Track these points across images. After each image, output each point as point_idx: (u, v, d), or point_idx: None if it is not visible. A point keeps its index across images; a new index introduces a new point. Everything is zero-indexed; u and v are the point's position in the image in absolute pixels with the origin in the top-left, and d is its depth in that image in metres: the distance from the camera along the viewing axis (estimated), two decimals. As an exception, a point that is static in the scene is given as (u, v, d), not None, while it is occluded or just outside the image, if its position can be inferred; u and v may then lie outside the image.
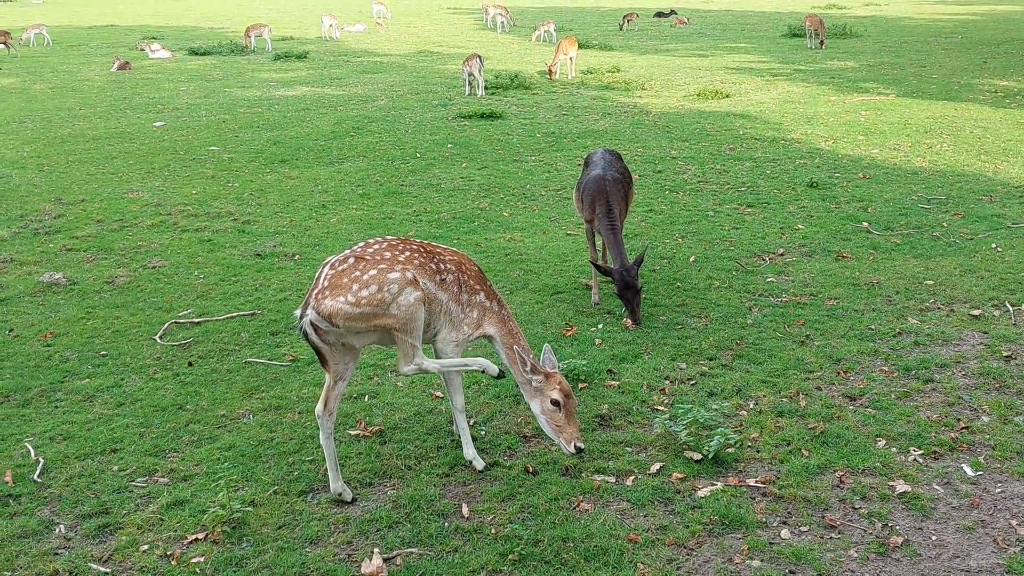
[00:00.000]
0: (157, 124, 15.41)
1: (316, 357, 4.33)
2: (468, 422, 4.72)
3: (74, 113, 16.75)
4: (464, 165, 12.01)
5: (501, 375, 4.43)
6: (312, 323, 4.06)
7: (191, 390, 5.60)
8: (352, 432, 5.00)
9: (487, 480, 4.49)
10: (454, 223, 9.27)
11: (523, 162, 12.16)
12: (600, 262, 7.52)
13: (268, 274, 7.83)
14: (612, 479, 4.45)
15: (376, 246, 4.30)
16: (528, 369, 4.31)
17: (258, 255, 8.34)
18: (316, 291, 4.12)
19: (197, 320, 6.77)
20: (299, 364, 5.96)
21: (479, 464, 4.57)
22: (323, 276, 4.16)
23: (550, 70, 20.85)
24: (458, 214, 9.61)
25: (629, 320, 6.46)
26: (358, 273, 4.11)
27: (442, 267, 4.39)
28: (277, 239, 8.84)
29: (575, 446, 4.24)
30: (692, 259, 7.95)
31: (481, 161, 12.23)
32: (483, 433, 4.95)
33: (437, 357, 4.50)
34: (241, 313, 6.89)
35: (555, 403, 4.27)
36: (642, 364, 5.80)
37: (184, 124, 15.41)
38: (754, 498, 4.26)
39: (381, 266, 4.14)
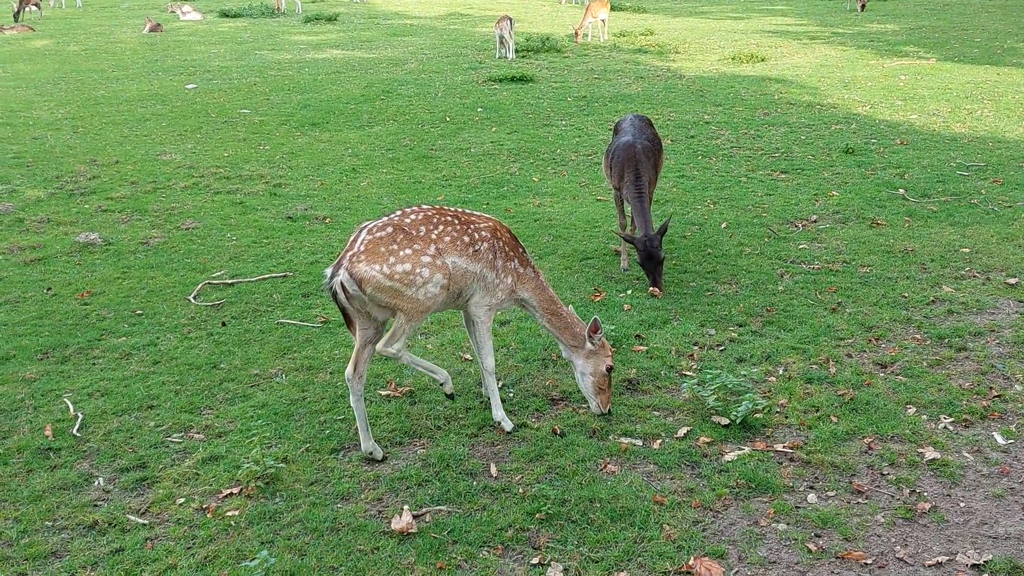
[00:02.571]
0: (189, 87, 15.50)
1: (344, 320, 4.39)
2: (497, 384, 4.78)
3: (107, 75, 16.89)
4: (494, 129, 11.96)
5: (452, 397, 4.60)
6: (342, 284, 4.10)
7: (224, 349, 5.70)
8: (382, 392, 5.08)
9: (515, 441, 4.54)
10: (483, 188, 9.26)
11: (553, 126, 12.09)
12: (628, 230, 7.50)
13: (299, 237, 7.90)
14: (639, 442, 4.48)
15: (413, 216, 4.33)
16: (589, 333, 4.56)
17: (289, 218, 8.41)
18: (351, 253, 4.16)
19: (230, 281, 6.87)
20: (330, 326, 6.04)
21: (507, 426, 4.63)
22: (360, 240, 4.20)
23: (576, 33, 20.59)
24: (487, 179, 9.60)
25: (655, 288, 6.44)
26: (395, 247, 4.16)
27: (476, 237, 4.43)
28: (308, 202, 8.90)
29: (609, 409, 4.66)
30: (724, 225, 7.89)
31: (511, 125, 12.17)
32: (512, 395, 5.00)
33: (471, 321, 4.58)
34: (273, 275, 6.98)
35: (610, 369, 4.61)
36: (671, 330, 5.80)
37: (216, 87, 15.48)
38: (781, 463, 4.27)
39: (416, 245, 4.19)
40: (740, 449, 4.38)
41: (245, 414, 4.87)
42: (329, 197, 9.08)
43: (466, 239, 4.39)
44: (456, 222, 4.41)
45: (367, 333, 4.34)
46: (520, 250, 4.65)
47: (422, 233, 4.26)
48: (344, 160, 10.55)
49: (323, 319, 6.14)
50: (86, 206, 8.86)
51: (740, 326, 5.83)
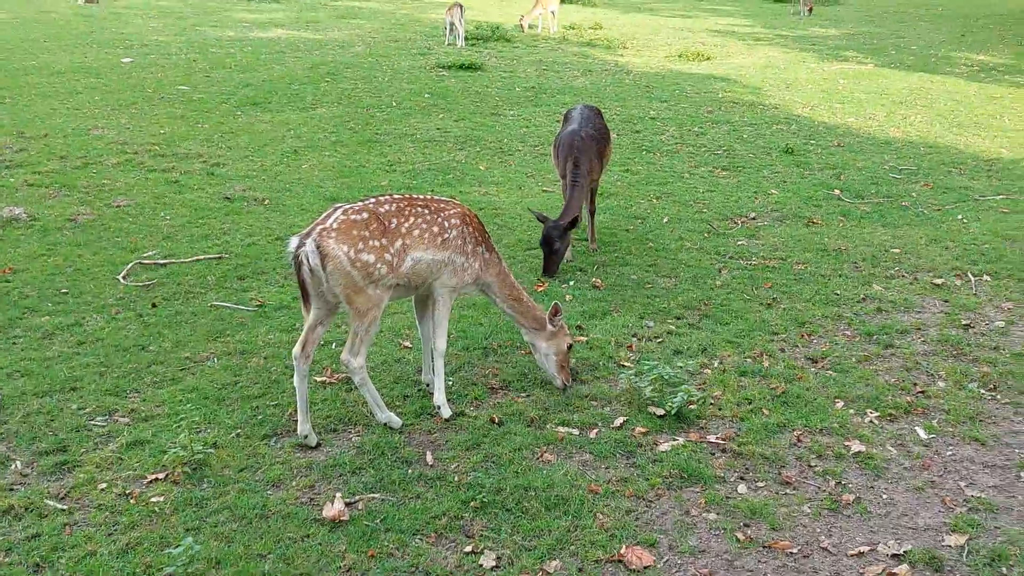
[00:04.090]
0: (125, 60, 15.01)
1: (300, 295, 4.32)
2: (444, 369, 4.78)
3: (38, 45, 16.25)
4: (441, 117, 11.87)
5: (392, 427, 4.49)
6: (307, 255, 4.06)
7: (154, 331, 5.54)
8: (319, 379, 4.99)
9: (452, 429, 4.51)
10: (429, 175, 9.18)
11: (501, 116, 12.05)
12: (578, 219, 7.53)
13: (236, 218, 7.72)
14: (576, 431, 4.50)
15: (387, 206, 4.36)
16: (550, 316, 4.79)
17: (227, 198, 8.21)
18: (322, 227, 4.14)
19: (162, 262, 6.67)
20: (266, 309, 5.91)
21: (446, 412, 4.61)
22: (333, 217, 4.19)
23: (523, 21, 20.57)
24: (433, 166, 9.52)
25: (544, 275, 6.49)
26: (367, 234, 4.18)
27: (446, 225, 4.51)
28: (246, 183, 8.71)
29: (571, 382, 4.92)
30: (665, 220, 7.97)
31: (458, 113, 12.09)
32: (450, 384, 4.96)
33: (434, 302, 4.63)
34: (208, 256, 6.80)
35: (570, 347, 4.91)
36: (611, 321, 5.84)
37: (153, 62, 15.02)
38: (714, 454, 4.33)
39: (384, 240, 4.23)
40: (674, 440, 4.43)
41: (174, 398, 4.74)
42: (268, 179, 8.89)
43: (435, 229, 4.46)
44: (426, 212, 4.47)
45: (319, 313, 4.30)
46: (487, 237, 4.76)
47: (393, 226, 4.30)
48: (286, 142, 10.34)
49: (259, 302, 6.01)
50: (11, 180, 8.50)
51: (678, 319, 5.90)
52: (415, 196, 4.55)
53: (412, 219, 4.40)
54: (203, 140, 10.26)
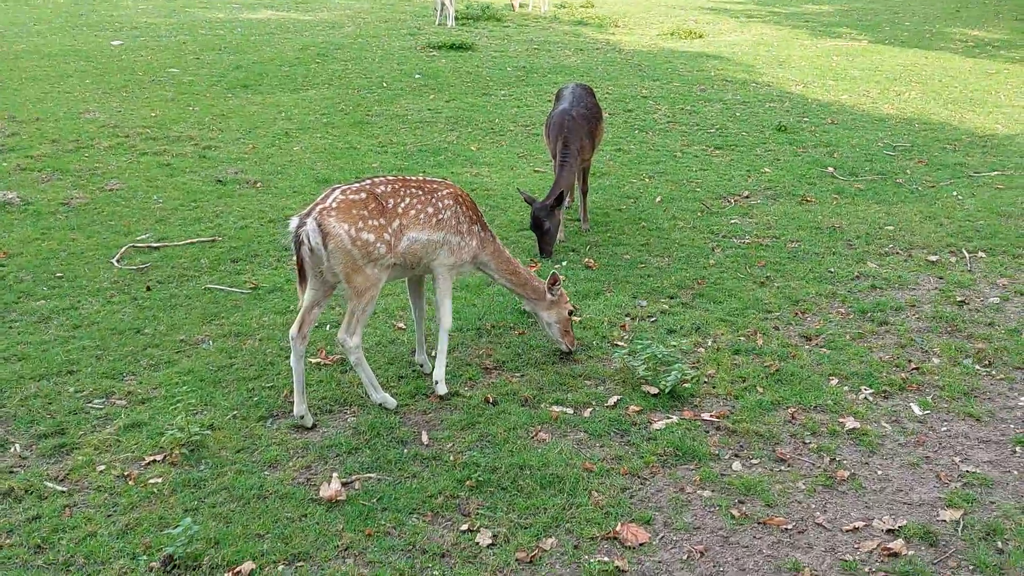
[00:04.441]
0: (115, 43, 14.87)
1: (296, 275, 4.32)
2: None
3: (28, 29, 16.08)
4: (432, 97, 11.81)
5: (387, 407, 4.49)
6: (308, 234, 4.09)
7: (149, 314, 5.52)
8: (313, 360, 4.99)
9: (447, 409, 4.53)
10: (420, 156, 9.15)
11: (492, 96, 11.99)
12: (569, 198, 7.52)
13: (229, 201, 7.68)
14: (570, 410, 4.51)
15: (383, 187, 4.40)
16: (549, 286, 4.92)
17: (219, 181, 8.17)
18: (322, 207, 4.18)
19: (156, 245, 6.65)
20: (260, 291, 5.90)
21: (442, 389, 4.63)
22: (332, 198, 4.23)
23: (513, 2, 20.44)
24: (424, 147, 9.48)
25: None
26: (366, 213, 4.22)
27: (440, 205, 4.54)
28: (238, 166, 8.66)
29: (576, 346, 5.08)
30: (658, 199, 7.96)
31: (449, 93, 12.03)
32: (446, 364, 4.97)
33: (434, 281, 4.69)
34: (201, 239, 6.78)
35: (571, 312, 5.08)
36: (604, 301, 5.84)
37: (143, 44, 14.89)
38: (708, 432, 4.35)
39: (383, 220, 4.27)
40: (668, 418, 4.45)
41: (170, 380, 4.74)
42: (260, 161, 8.84)
43: (430, 210, 4.50)
44: (420, 192, 4.51)
45: (316, 294, 4.32)
46: (481, 216, 4.82)
47: (390, 206, 4.35)
48: (277, 124, 10.28)
49: (252, 284, 6.00)
50: (3, 164, 8.44)
51: (671, 298, 5.90)
52: (408, 177, 4.59)
53: (408, 199, 4.44)
54: (194, 123, 10.19)
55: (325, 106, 11.15)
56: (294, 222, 4.18)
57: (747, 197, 8.04)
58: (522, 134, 10.16)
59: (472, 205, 4.76)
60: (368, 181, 4.42)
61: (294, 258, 4.26)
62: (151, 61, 13.50)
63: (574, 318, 5.26)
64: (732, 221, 7.40)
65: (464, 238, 4.66)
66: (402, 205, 4.40)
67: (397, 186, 4.45)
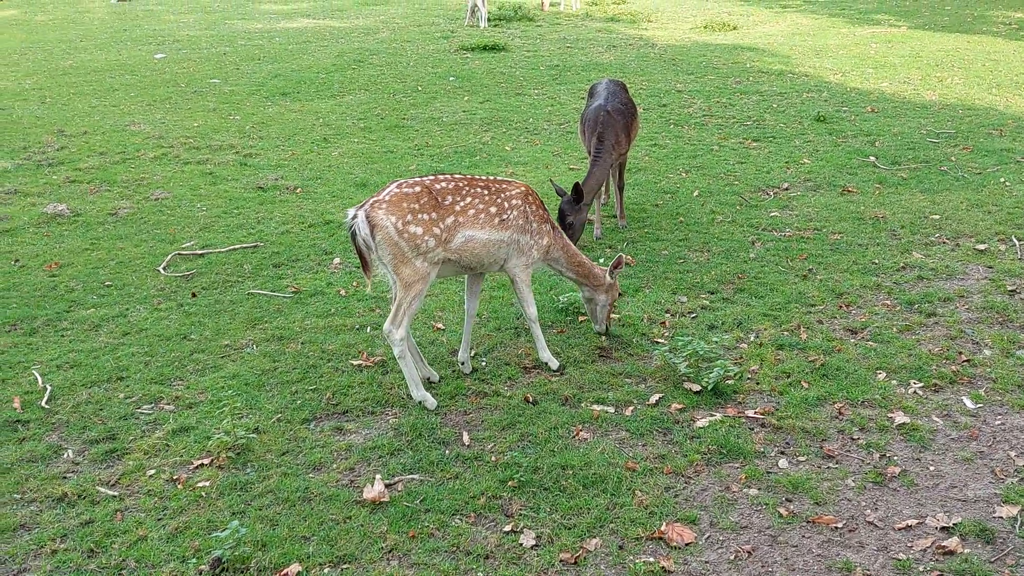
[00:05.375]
0: (158, 56, 15.13)
1: (361, 262, 4.41)
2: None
3: (75, 45, 16.44)
4: (466, 99, 11.79)
5: (427, 407, 4.50)
6: (359, 224, 4.22)
7: (195, 320, 5.58)
8: (354, 363, 4.99)
9: (487, 409, 4.49)
10: (456, 157, 9.13)
11: (526, 95, 11.94)
12: (604, 196, 7.45)
13: (270, 207, 7.74)
14: (611, 409, 4.45)
15: (444, 183, 4.45)
16: (612, 268, 4.99)
17: (260, 188, 8.24)
18: (375, 199, 4.29)
19: (200, 252, 6.72)
20: (301, 296, 5.93)
21: (554, 364, 4.83)
22: (388, 191, 4.33)
23: (543, 2, 20.37)
24: (460, 148, 9.46)
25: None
26: (417, 206, 4.28)
27: (506, 205, 4.57)
28: (279, 172, 8.73)
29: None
30: (696, 193, 7.84)
31: (483, 94, 12.01)
32: (484, 364, 4.94)
33: (512, 280, 4.75)
34: (244, 245, 6.83)
35: (620, 294, 5.20)
36: (643, 297, 5.76)
37: (185, 56, 15.12)
38: (752, 429, 4.25)
39: (435, 214, 4.32)
40: (712, 415, 4.36)
41: (216, 385, 4.77)
42: (300, 167, 8.90)
43: (493, 210, 4.52)
44: (485, 192, 4.55)
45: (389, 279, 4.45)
46: (548, 214, 4.85)
47: (447, 203, 4.39)
48: (315, 130, 10.35)
49: (294, 289, 6.02)
50: (54, 177, 8.62)
51: (712, 293, 5.80)
52: (476, 177, 4.63)
53: (469, 198, 4.47)
54: (235, 131, 10.31)
55: (362, 111, 11.20)
56: (350, 213, 4.32)
57: (786, 189, 7.87)
58: (556, 132, 10.09)
59: (540, 203, 4.79)
60: (431, 177, 4.48)
61: (352, 247, 4.39)
62: (193, 72, 13.70)
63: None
64: (772, 214, 7.26)
65: (533, 237, 4.69)
66: (462, 203, 4.43)
67: (461, 184, 4.49)
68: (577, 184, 6.07)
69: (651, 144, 9.44)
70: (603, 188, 7.16)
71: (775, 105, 10.99)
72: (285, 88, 12.52)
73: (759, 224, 7.03)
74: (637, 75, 12.88)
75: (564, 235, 4.95)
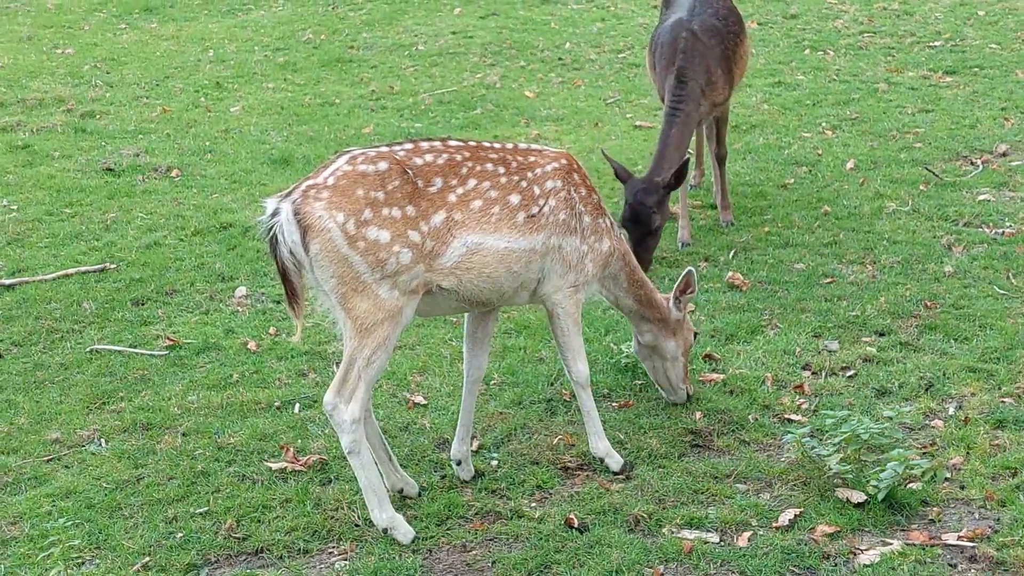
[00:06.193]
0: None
1: (284, 288, 4.40)
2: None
3: None
4: (457, 10, 11.93)
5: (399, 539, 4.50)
6: (282, 226, 4.17)
7: (1, 399, 5.65)
8: (273, 465, 5.03)
9: (501, 542, 4.51)
10: (440, 111, 9.24)
11: (560, 2, 12.07)
12: (697, 173, 7.50)
13: (126, 202, 7.85)
14: (714, 536, 4.46)
15: (431, 155, 4.43)
16: (677, 293, 5.11)
17: (109, 170, 8.36)
18: (311, 183, 4.25)
19: (7, 282, 6.81)
20: (182, 353, 5.99)
21: (615, 464, 4.89)
22: (332, 170, 4.29)
23: None
24: (448, 97, 9.57)
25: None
26: (381, 196, 4.23)
27: (537, 190, 4.55)
28: (140, 143, 8.86)
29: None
30: (850, 165, 7.91)
31: (487, 1, 12.15)
32: (495, 463, 4.98)
33: (549, 315, 4.77)
34: (83, 269, 6.92)
35: (696, 335, 5.36)
36: (764, 344, 5.80)
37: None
38: (957, 564, 4.27)
39: (411, 207, 4.28)
40: (887, 543, 4.38)
41: (36, 510, 4.81)
42: (176, 133, 9.03)
43: (515, 199, 4.50)
44: (500, 169, 4.51)
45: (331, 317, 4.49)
46: (600, 198, 4.90)
47: (435, 187, 4.35)
48: (201, 70, 10.49)
49: (170, 342, 6.09)
50: None
51: (881, 335, 5.84)
52: (482, 143, 4.64)
53: (472, 180, 4.44)
54: (66, 75, 10.46)
55: (279, 35, 11.35)
56: (270, 206, 4.26)
57: (1003, 155, 7.93)
58: (610, 66, 10.20)
59: (590, 185, 4.82)
60: (410, 144, 4.47)
61: (273, 264, 4.37)
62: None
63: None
64: (980, 197, 7.31)
65: (585, 238, 4.69)
66: (460, 188, 4.40)
67: (457, 156, 4.46)
68: (664, 157, 6.19)
69: (774, 83, 9.53)
70: (691, 160, 7.23)
71: (982, 12, 11.06)
72: (148, 1, 12.70)
73: (959, 215, 7.08)
74: (744, -35, 13.01)
75: (624, 238, 5.00)
